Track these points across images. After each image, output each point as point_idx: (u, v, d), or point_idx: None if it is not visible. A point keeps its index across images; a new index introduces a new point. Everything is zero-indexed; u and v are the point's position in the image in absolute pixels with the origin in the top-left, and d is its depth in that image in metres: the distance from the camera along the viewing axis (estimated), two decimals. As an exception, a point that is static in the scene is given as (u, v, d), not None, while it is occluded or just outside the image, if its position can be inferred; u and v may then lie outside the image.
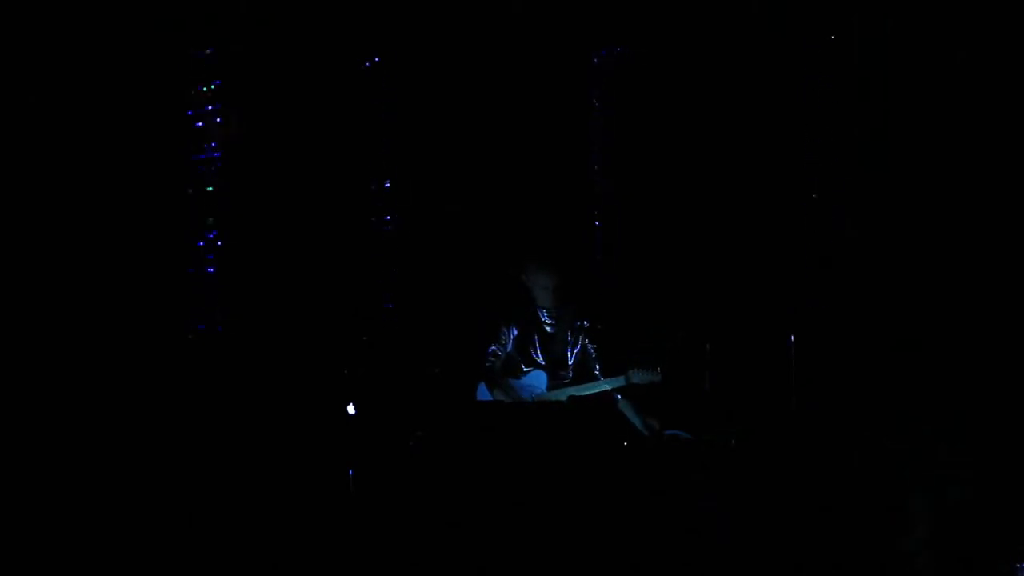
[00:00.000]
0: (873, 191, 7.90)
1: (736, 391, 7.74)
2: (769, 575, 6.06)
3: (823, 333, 7.75)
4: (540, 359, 7.29)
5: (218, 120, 8.18)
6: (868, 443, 6.62)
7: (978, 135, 7.59)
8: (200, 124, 8.17)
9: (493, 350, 7.31)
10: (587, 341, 7.27)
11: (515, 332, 7.32)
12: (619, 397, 7.13)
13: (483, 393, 7.28)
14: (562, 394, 7.15)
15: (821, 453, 6.67)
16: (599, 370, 7.23)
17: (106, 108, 7.75)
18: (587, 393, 7.13)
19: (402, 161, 8.43)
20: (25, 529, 6.32)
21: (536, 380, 7.27)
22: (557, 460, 6.28)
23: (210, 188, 8.14)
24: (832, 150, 8.01)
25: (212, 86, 8.15)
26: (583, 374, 7.28)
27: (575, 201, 8.49)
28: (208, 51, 8.10)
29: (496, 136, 8.39)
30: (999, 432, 6.45)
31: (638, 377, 7.10)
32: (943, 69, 7.65)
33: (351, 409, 7.21)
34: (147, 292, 7.85)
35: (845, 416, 7.09)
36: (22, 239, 7.51)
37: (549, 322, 7.30)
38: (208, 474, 6.89)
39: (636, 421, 7.07)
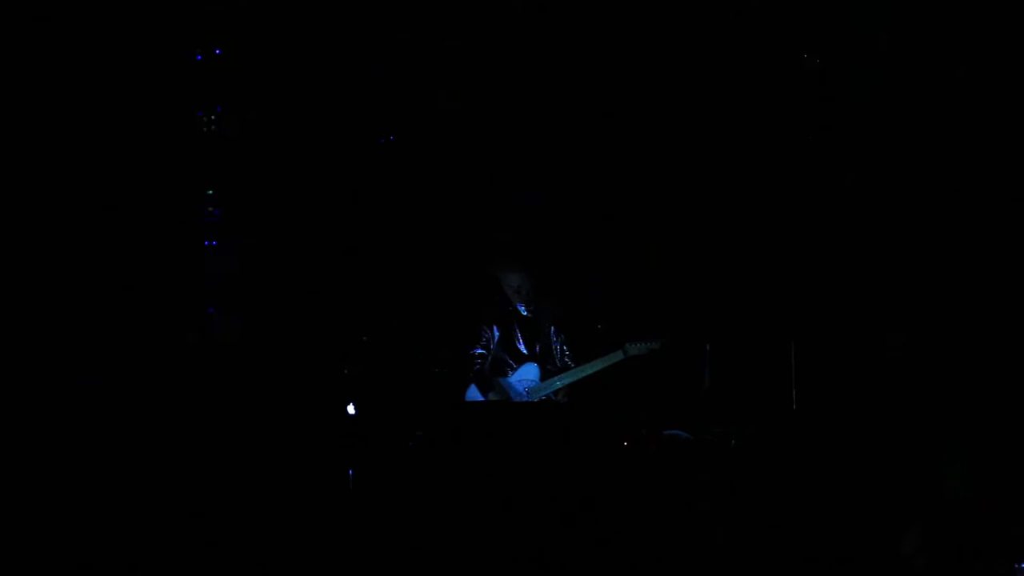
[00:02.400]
0: (873, 191, 7.90)
1: (736, 391, 7.74)
2: (769, 575, 6.06)
3: (823, 334, 7.75)
4: (527, 351, 7.31)
5: (218, 120, 8.17)
6: (868, 443, 6.62)
7: (979, 138, 7.59)
8: (201, 124, 8.17)
9: (479, 352, 7.33)
10: (560, 334, 7.32)
11: (496, 332, 7.34)
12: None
13: (473, 395, 7.28)
14: (558, 381, 7.17)
15: (821, 453, 6.67)
16: (570, 360, 7.25)
17: (106, 109, 7.74)
18: (586, 374, 7.15)
19: (401, 160, 8.42)
20: (25, 529, 6.32)
21: (528, 372, 7.28)
22: (557, 460, 6.28)
23: (210, 192, 8.13)
24: (833, 150, 8.01)
25: (212, 87, 8.14)
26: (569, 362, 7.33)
27: (575, 201, 8.48)
28: (207, 51, 8.09)
29: (497, 135, 8.38)
30: (999, 432, 6.45)
31: (636, 349, 7.13)
32: (942, 72, 7.65)
33: (351, 409, 7.22)
34: (147, 290, 7.84)
35: (845, 416, 7.09)
36: (23, 239, 7.50)
37: (528, 315, 7.34)
38: (208, 474, 6.89)
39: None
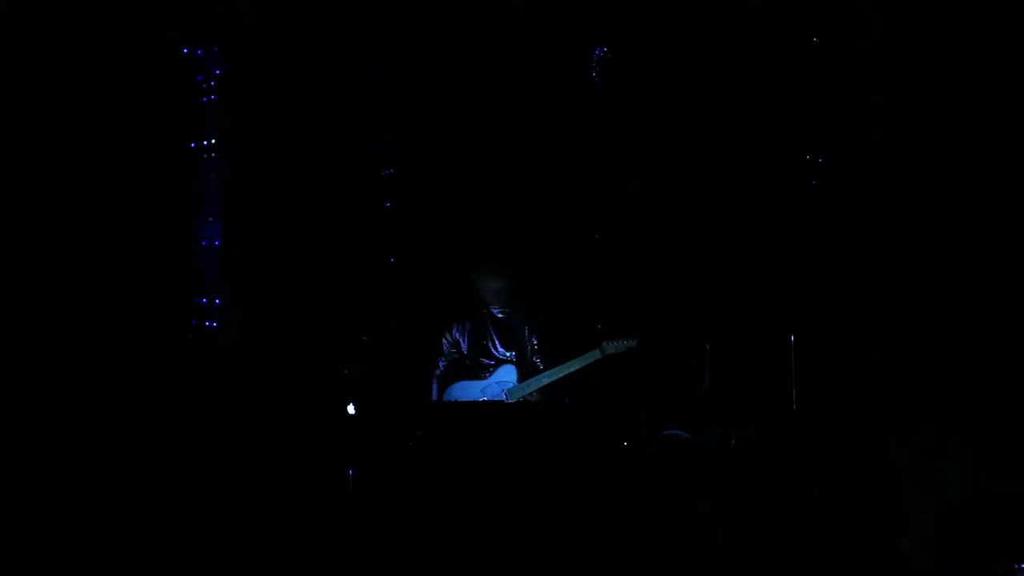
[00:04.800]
0: (873, 190, 7.90)
1: (736, 390, 7.74)
2: (769, 575, 6.06)
3: (823, 333, 7.75)
4: (504, 354, 7.32)
5: (218, 114, 8.19)
6: (868, 443, 6.62)
7: (978, 135, 7.59)
8: (200, 117, 8.18)
9: (445, 352, 7.35)
10: (533, 335, 7.33)
11: (469, 336, 7.35)
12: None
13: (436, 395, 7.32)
14: (536, 382, 7.17)
15: (821, 453, 6.67)
16: (539, 360, 7.27)
17: (106, 105, 7.75)
18: (564, 375, 7.15)
19: (403, 160, 8.42)
20: (25, 528, 6.32)
21: (506, 374, 7.28)
22: (557, 460, 6.28)
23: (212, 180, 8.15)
24: (833, 149, 8.01)
25: (211, 79, 8.15)
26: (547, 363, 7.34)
27: (574, 200, 8.48)
28: (207, 44, 8.10)
29: (497, 134, 8.38)
30: (999, 432, 6.44)
31: (613, 347, 7.13)
32: (942, 68, 7.65)
33: (351, 409, 7.22)
34: (146, 291, 7.84)
35: (845, 416, 7.09)
36: (23, 238, 7.51)
37: (502, 317, 7.34)
38: (208, 474, 6.89)
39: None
